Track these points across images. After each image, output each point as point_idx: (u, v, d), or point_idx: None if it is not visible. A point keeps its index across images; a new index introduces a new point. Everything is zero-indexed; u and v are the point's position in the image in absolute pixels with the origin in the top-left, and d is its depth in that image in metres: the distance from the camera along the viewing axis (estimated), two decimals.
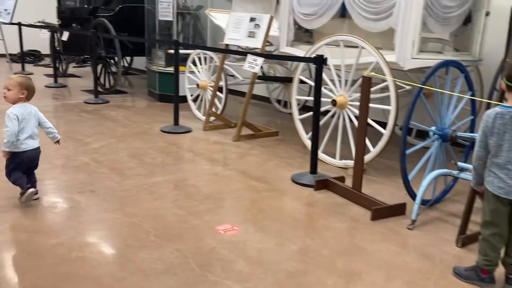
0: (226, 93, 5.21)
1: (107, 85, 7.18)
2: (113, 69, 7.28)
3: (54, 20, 10.92)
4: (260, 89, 6.77)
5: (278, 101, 6.51)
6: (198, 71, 5.50)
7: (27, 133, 2.88)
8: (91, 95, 6.78)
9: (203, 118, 5.51)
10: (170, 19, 6.35)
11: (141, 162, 3.83)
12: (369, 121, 3.57)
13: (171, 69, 6.49)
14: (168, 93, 6.58)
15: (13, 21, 9.12)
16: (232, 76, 5.62)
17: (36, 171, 3.04)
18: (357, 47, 3.79)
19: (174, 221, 2.74)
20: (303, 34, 4.83)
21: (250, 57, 3.90)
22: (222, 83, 5.14)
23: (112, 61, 7.30)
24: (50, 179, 3.35)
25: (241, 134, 4.71)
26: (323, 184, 3.37)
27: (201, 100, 5.58)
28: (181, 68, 6.51)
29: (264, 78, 5.85)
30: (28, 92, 2.92)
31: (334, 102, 3.82)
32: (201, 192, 3.23)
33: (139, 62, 9.80)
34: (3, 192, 3.03)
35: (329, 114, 3.95)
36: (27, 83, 2.91)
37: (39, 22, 9.89)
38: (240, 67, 5.82)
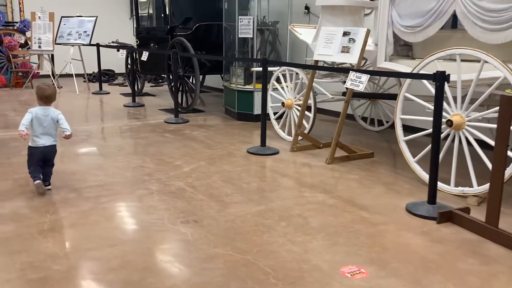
0: (314, 112, 4.93)
1: (184, 104, 7.13)
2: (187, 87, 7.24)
3: (126, 40, 11.26)
4: (341, 105, 6.44)
5: (363, 119, 6.15)
6: (283, 88, 5.28)
7: (40, 131, 3.40)
8: (170, 114, 6.75)
9: (288, 138, 5.26)
10: (250, 36, 6.20)
11: (237, 188, 3.62)
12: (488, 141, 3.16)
13: (250, 87, 6.35)
14: (246, 112, 6.42)
15: (92, 42, 9.41)
16: (315, 93, 5.35)
17: (135, 198, 2.90)
18: (475, 61, 3.41)
19: (290, 260, 2.47)
20: (400, 48, 4.47)
21: (353, 74, 3.60)
22: (310, 102, 4.88)
23: (189, 79, 7.26)
24: (149, 208, 3.20)
25: (334, 156, 4.40)
26: (447, 217, 2.99)
27: (286, 119, 5.34)
28: (257, 86, 6.38)
29: (352, 94, 5.51)
30: (40, 99, 3.44)
31: (450, 123, 3.43)
32: (310, 225, 2.95)
33: (210, 79, 9.80)
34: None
35: (443, 135, 3.55)
36: (38, 93, 3.43)
37: (112, 42, 10.18)
38: (325, 84, 5.55)
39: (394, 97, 5.05)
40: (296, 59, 7.23)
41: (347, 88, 5.84)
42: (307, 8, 7.16)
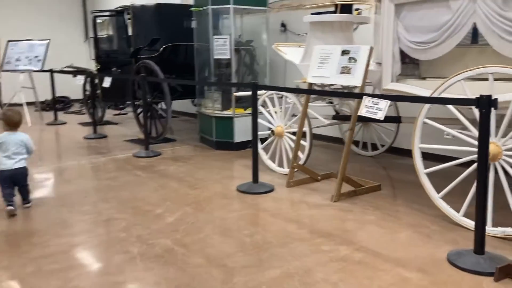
0: (310, 141, 4.37)
1: (153, 134, 6.41)
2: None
3: (82, 64, 10.39)
4: (329, 129, 5.93)
5: (355, 143, 5.65)
6: (271, 115, 4.70)
7: (8, 154, 3.57)
8: (138, 146, 6.03)
9: (279, 169, 4.67)
10: (227, 57, 5.60)
11: (239, 244, 2.97)
12: None
13: (229, 113, 5.74)
14: (226, 140, 5.79)
15: (45, 68, 8.52)
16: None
17: (114, 269, 2.20)
18: (509, 80, 2.96)
19: None
20: (405, 66, 3.99)
21: (368, 100, 3.06)
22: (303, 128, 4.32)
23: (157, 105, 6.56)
24: (134, 281, 2.49)
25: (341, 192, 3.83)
26: (506, 271, 2.46)
27: (274, 149, 4.75)
28: (236, 111, 5.78)
29: (344, 117, 5.01)
30: (8, 125, 3.65)
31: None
32: None
33: (177, 103, 9.08)
34: None
35: (474, 166, 3.06)
36: (6, 120, 3.64)
37: (67, 67, 9.31)
38: (314, 107, 5.02)
39: (389, 119, 4.59)
40: (276, 80, 6.70)
41: (337, 112, 5.40)
42: (283, 25, 6.67)
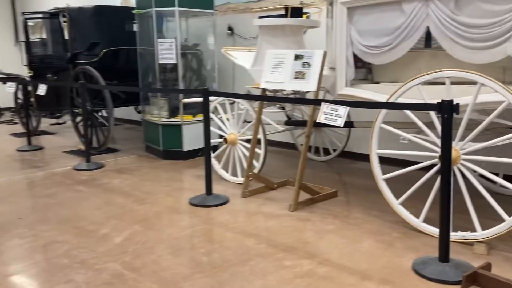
0: (265, 148, 4.21)
1: (95, 144, 6.00)
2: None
3: (12, 69, 9.66)
4: (281, 134, 5.82)
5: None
6: (223, 122, 4.50)
7: None
8: (78, 158, 5.62)
9: (233, 179, 4.48)
10: (173, 61, 5.34)
11: (195, 264, 2.75)
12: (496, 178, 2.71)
13: (177, 120, 5.48)
14: (174, 149, 5.52)
15: None
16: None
17: None
18: (465, 83, 2.96)
19: None
20: (358, 71, 3.94)
21: (327, 106, 2.94)
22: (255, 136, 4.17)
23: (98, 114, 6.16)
24: None
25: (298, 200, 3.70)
26: (472, 279, 2.41)
27: (227, 157, 4.56)
28: (185, 118, 5.54)
29: (297, 123, 4.92)
30: None
31: None
32: None
33: (118, 111, 8.64)
34: None
35: (433, 170, 3.03)
36: None
37: None
38: (268, 114, 4.89)
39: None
40: (225, 85, 6.51)
41: (288, 117, 5.29)
42: (230, 29, 6.49)
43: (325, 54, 3.65)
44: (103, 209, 3.78)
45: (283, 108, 5.20)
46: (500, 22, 2.86)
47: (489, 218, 3.09)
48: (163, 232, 3.27)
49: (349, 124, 4.51)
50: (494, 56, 2.92)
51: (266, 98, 3.86)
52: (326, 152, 5.37)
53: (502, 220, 2.77)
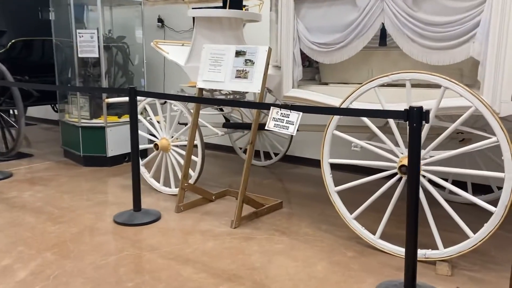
0: (202, 155, 3.75)
1: (2, 148, 5.20)
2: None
3: None
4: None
5: (242, 149, 5.18)
6: (153, 125, 3.97)
7: None
8: None
9: (166, 190, 3.98)
10: (95, 55, 4.71)
11: None
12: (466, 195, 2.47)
13: (99, 121, 4.86)
14: (97, 154, 4.89)
15: None
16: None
17: None
18: (420, 86, 2.71)
19: None
20: (303, 70, 3.60)
21: (277, 111, 2.55)
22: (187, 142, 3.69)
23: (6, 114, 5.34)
24: None
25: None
26: None
27: (159, 165, 4.04)
28: (109, 119, 4.95)
29: (236, 125, 4.50)
30: None
31: (403, 169, 2.62)
32: None
33: (32, 109, 7.73)
34: None
35: (392, 181, 2.75)
36: None
37: None
38: (204, 115, 4.44)
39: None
40: (154, 83, 5.94)
41: (227, 119, 4.86)
42: (160, 21, 5.93)
43: (270, 51, 3.26)
44: (6, 232, 3.13)
45: (221, 110, 4.77)
46: (462, 20, 2.62)
47: (446, 230, 2.88)
48: (81, 260, 2.71)
49: (268, 106, 4.17)
50: (455, 57, 2.69)
51: (204, 100, 3.40)
52: (267, 156, 5.01)
53: (463, 233, 2.55)
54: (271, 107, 2.58)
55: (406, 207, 2.25)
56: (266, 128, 2.65)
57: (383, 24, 2.93)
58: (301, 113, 2.49)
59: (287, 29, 3.27)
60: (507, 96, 2.52)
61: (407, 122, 2.17)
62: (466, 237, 2.53)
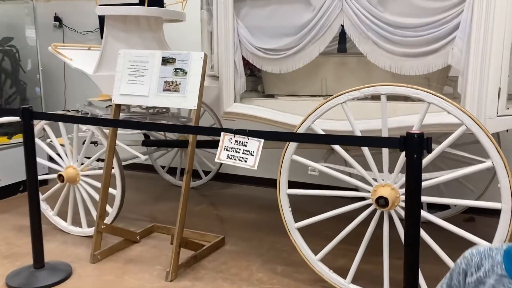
0: (123, 188, 3.02)
1: None
2: None
3: None
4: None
5: (171, 170, 4.49)
6: (57, 150, 3.16)
7: None
8: None
9: (75, 230, 3.20)
10: None
11: None
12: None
13: None
14: None
15: None
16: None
17: None
18: (393, 99, 2.31)
19: None
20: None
21: (229, 138, 1.96)
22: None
23: None
24: None
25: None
26: None
27: (66, 200, 3.22)
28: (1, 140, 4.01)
29: (159, 143, 3.83)
30: None
31: (382, 201, 2.17)
32: None
33: None
34: None
35: (363, 215, 2.29)
36: None
37: None
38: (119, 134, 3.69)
39: (214, 144, 3.68)
40: (54, 94, 5.01)
41: (146, 136, 4.14)
42: (58, 19, 5.01)
43: (205, 57, 2.66)
44: None
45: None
46: (438, 22, 2.25)
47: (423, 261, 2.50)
48: None
49: (217, 131, 3.59)
50: (430, 65, 2.31)
51: (125, 124, 2.66)
52: (196, 175, 4.37)
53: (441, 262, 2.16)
54: (222, 134, 1.98)
55: (404, 255, 1.79)
56: (216, 160, 2.05)
57: (342, 26, 2.48)
58: (262, 140, 1.92)
59: (226, 32, 2.69)
60: (492, 111, 2.19)
61: (404, 151, 1.70)
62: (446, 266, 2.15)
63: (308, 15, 2.50)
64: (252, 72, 3.15)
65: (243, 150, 1.95)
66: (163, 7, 3.45)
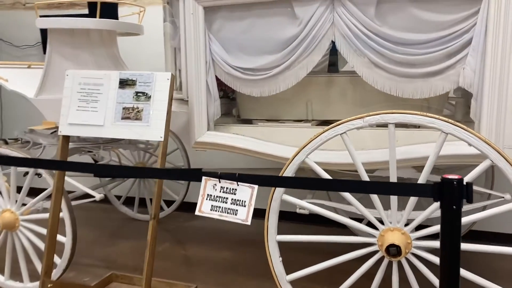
0: (73, 235, 2.51)
1: None
2: None
3: None
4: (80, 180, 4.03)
5: (128, 201, 3.97)
6: None
7: None
8: None
9: (15, 285, 2.64)
10: None
11: None
12: None
13: None
14: None
15: None
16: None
17: None
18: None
19: None
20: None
21: (213, 185, 1.55)
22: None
23: None
24: None
25: None
26: None
27: (3, 250, 2.67)
28: None
29: (114, 173, 3.33)
30: None
31: (394, 250, 1.83)
32: None
33: None
34: None
35: (370, 263, 1.94)
36: None
37: None
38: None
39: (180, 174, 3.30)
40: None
41: (96, 161, 3.63)
42: None
43: (173, 79, 2.24)
44: None
45: (90, 151, 3.52)
46: (447, 38, 1.96)
47: None
48: None
49: (195, 175, 3.16)
50: (437, 88, 2.02)
51: (76, 167, 2.14)
52: None
53: None
54: (204, 179, 1.56)
55: None
56: (197, 213, 1.64)
57: (333, 42, 2.14)
58: (256, 186, 1.53)
59: (196, 49, 2.29)
60: (511, 140, 1.92)
61: (439, 202, 1.36)
62: None
63: (294, 29, 2.15)
64: (225, 93, 2.75)
65: (232, 199, 1.55)
66: (117, 19, 3.00)
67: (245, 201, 1.52)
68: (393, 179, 1.84)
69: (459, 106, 2.39)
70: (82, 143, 2.83)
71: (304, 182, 1.50)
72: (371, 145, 2.11)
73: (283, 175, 1.94)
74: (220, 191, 1.55)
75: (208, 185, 1.56)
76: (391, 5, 2.02)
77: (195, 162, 3.71)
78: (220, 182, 1.54)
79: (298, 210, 2.16)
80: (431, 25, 1.97)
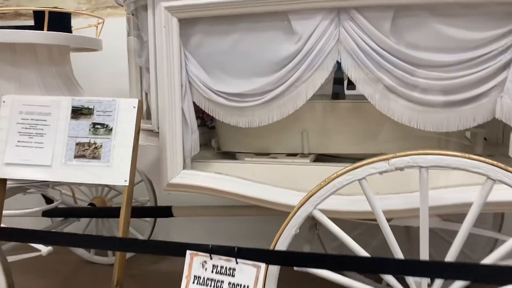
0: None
1: None
2: None
3: None
4: (23, 220, 3.42)
5: None
6: None
7: None
8: None
9: None
10: None
11: None
12: None
13: None
14: None
15: None
16: None
17: None
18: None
19: None
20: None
21: (202, 262, 1.11)
22: None
23: None
24: None
25: None
26: None
27: None
28: None
29: (68, 212, 2.84)
30: None
31: None
32: None
33: None
34: None
35: None
36: None
37: None
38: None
39: (151, 211, 2.86)
40: None
41: (48, 199, 3.10)
42: None
43: (140, 107, 1.79)
44: None
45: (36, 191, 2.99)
46: (480, 59, 1.62)
47: None
48: None
49: (165, 212, 2.70)
50: (467, 119, 1.67)
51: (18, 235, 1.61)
52: None
53: None
54: (188, 253, 1.12)
55: None
56: None
57: (338, 63, 1.76)
58: (263, 264, 1.10)
59: (169, 69, 1.85)
60: None
61: None
62: None
63: (291, 46, 1.76)
64: (203, 121, 2.32)
65: (229, 283, 1.11)
66: (70, 32, 2.52)
67: (248, 286, 1.09)
68: (424, 236, 1.46)
69: (478, 138, 2.06)
70: (25, 182, 2.31)
71: (334, 260, 1.09)
72: (382, 186, 1.73)
73: (285, 230, 1.52)
74: (212, 272, 1.11)
75: (195, 263, 1.12)
76: (411, 19, 1.66)
77: (163, 197, 3.24)
78: (211, 258, 1.10)
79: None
80: (459, 44, 1.63)
